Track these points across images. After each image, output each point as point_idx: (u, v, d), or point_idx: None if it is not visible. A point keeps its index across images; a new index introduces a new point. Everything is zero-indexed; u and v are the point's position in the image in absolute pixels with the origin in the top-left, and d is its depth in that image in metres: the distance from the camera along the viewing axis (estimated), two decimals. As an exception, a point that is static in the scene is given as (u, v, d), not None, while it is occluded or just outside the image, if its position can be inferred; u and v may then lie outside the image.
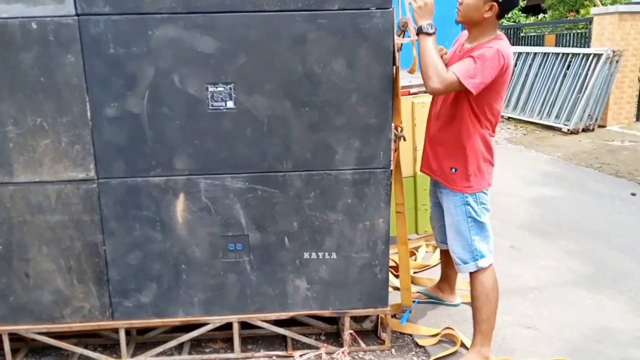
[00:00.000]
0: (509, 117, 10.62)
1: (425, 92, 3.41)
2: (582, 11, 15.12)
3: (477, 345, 2.92)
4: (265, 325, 2.93)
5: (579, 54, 9.74)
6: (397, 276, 3.64)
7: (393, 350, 3.05)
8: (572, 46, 10.93)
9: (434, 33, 2.65)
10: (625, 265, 4.18)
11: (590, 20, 10.37)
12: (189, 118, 2.60)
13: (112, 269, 2.75)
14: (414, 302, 3.26)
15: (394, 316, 3.19)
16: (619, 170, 6.95)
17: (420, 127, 3.97)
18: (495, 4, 2.65)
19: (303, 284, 2.85)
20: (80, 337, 3.04)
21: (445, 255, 3.31)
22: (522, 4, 16.19)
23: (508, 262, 4.14)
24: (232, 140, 2.65)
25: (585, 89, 9.28)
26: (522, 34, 13.10)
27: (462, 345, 3.07)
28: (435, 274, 3.77)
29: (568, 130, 9.29)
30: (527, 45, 12.29)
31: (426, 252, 4.36)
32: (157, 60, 2.53)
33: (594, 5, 11.90)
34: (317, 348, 3.00)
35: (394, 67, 2.64)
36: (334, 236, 2.79)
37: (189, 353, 3.03)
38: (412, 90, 4.07)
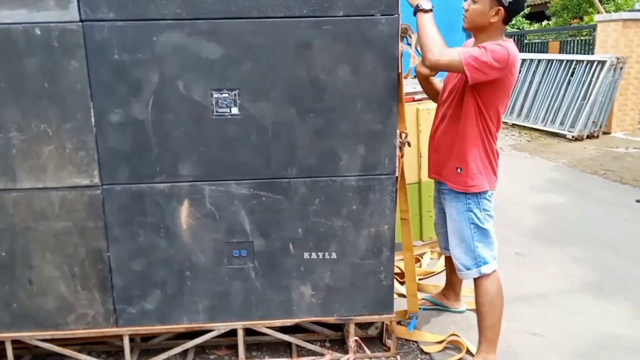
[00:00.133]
0: (513, 124, 10.62)
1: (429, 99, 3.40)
2: (585, 18, 15.14)
3: (483, 352, 2.90)
4: (270, 331, 2.92)
5: (583, 61, 9.75)
6: (402, 283, 3.63)
7: (398, 357, 3.03)
8: (576, 53, 10.94)
9: (431, 9, 2.64)
10: (631, 272, 4.15)
11: (594, 28, 10.38)
12: (193, 124, 2.60)
13: (116, 275, 2.74)
14: (419, 308, 3.24)
15: (399, 323, 3.18)
16: (623, 177, 6.94)
17: (425, 133, 3.97)
18: (501, 8, 2.65)
19: (308, 291, 2.83)
20: (84, 344, 3.03)
21: (450, 262, 3.29)
22: (525, 11, 16.21)
23: (514, 269, 4.13)
24: (237, 147, 2.64)
25: (590, 95, 9.28)
26: (526, 41, 13.12)
27: (468, 352, 3.05)
28: (440, 281, 3.75)
29: (572, 137, 9.28)
30: (531, 52, 12.30)
31: (431, 258, 4.34)
32: (161, 67, 2.53)
33: (598, 12, 11.90)
34: (322, 355, 2.99)
35: (398, 73, 2.63)
36: (339, 242, 2.78)
37: (193, 360, 3.02)
38: (416, 97, 4.06)
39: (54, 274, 2.71)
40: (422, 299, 3.57)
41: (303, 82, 2.59)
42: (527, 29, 17.04)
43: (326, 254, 2.79)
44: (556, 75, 10.16)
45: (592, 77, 9.40)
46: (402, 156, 2.79)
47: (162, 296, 2.79)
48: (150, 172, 2.64)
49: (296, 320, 2.89)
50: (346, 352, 3.00)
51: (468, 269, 2.91)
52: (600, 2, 14.59)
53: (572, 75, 9.89)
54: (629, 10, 13.34)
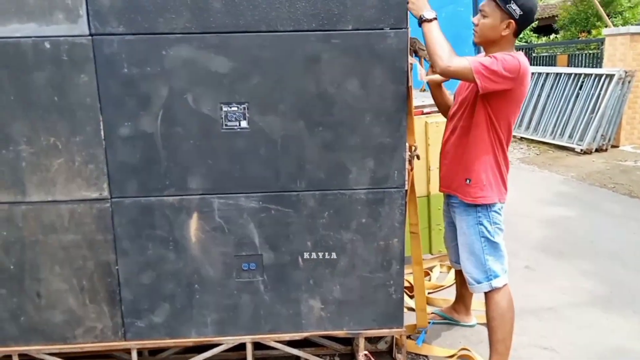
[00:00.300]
0: (521, 137, 10.60)
1: (438, 112, 3.41)
2: (593, 32, 15.16)
3: (494, 367, 2.88)
4: (279, 345, 2.90)
5: (591, 75, 9.74)
6: (411, 297, 3.61)
7: (408, 372, 3.02)
8: (584, 66, 10.94)
9: (435, 18, 2.63)
10: (641, 285, 4.13)
11: (602, 41, 10.39)
12: (202, 138, 2.60)
13: (125, 288, 2.73)
14: (429, 323, 3.22)
15: (409, 337, 3.16)
16: (632, 191, 6.90)
17: (434, 147, 3.97)
18: (512, 21, 2.65)
19: (317, 304, 2.82)
20: (91, 358, 3.01)
21: (460, 276, 3.28)
22: (533, 24, 16.23)
23: (523, 283, 4.10)
24: (246, 160, 2.64)
25: (598, 109, 9.26)
26: (534, 54, 13.15)
27: (479, 366, 3.03)
28: (450, 295, 3.73)
29: (581, 150, 9.25)
30: (539, 65, 12.31)
31: (440, 272, 4.32)
32: (171, 80, 2.53)
33: (606, 26, 11.90)
34: (331, 370, 2.97)
35: (407, 86, 2.63)
36: (348, 256, 2.77)
37: (201, 374, 3.00)
38: (425, 110, 4.06)
39: (63, 287, 2.71)
40: (432, 313, 3.55)
41: (312, 95, 2.59)
42: (535, 43, 17.06)
43: (335, 267, 2.77)
44: (564, 88, 10.15)
45: (601, 90, 9.39)
46: (411, 169, 2.78)
47: (170, 309, 2.78)
48: (160, 185, 2.64)
49: (305, 334, 2.87)
50: (355, 366, 2.98)
51: (479, 282, 2.89)
52: (607, 15, 14.60)
53: (580, 88, 9.88)
54: (636, 24, 13.33)
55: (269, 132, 2.61)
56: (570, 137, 9.69)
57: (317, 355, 3.02)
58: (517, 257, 4.53)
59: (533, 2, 2.70)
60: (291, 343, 2.93)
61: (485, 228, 2.84)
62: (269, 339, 2.86)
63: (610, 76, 9.31)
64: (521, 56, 2.66)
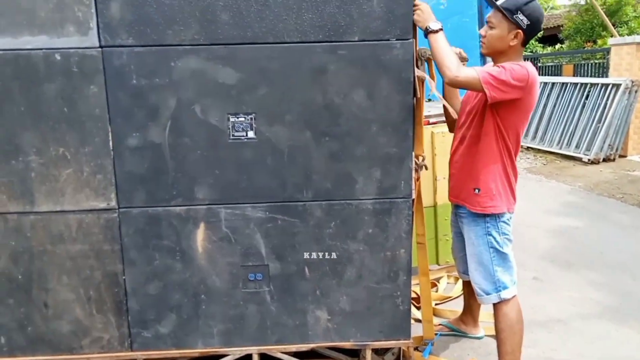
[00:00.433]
0: (528, 147, 10.59)
1: (444, 122, 3.41)
2: (599, 41, 15.15)
3: (502, 379, 2.86)
4: (285, 357, 2.89)
5: (598, 84, 9.74)
6: (418, 308, 3.60)
7: (415, 383, 3.00)
8: (590, 76, 10.93)
9: (441, 29, 2.63)
10: (651, 297, 4.10)
11: (608, 51, 10.38)
12: (210, 148, 2.61)
13: (132, 299, 2.74)
14: (436, 334, 3.20)
15: (416, 349, 3.14)
16: (641, 201, 6.88)
17: (440, 156, 3.97)
18: (520, 31, 2.66)
19: (324, 315, 2.81)
20: (98, 368, 3.02)
21: (468, 287, 3.26)
22: (539, 34, 16.25)
23: (531, 294, 4.09)
24: (253, 170, 2.64)
25: (605, 119, 9.25)
26: (539, 64, 13.15)
27: (486, 378, 3.02)
28: (458, 306, 3.71)
29: (588, 160, 9.23)
30: (545, 75, 12.31)
31: (447, 283, 4.31)
32: (179, 91, 2.54)
33: (611, 36, 11.89)
34: (338, 381, 2.96)
35: (415, 97, 2.63)
36: (354, 266, 2.77)
37: (208, 385, 3.00)
38: (431, 120, 4.06)
39: (70, 297, 2.72)
40: (440, 325, 3.54)
41: (318, 106, 2.60)
42: (541, 52, 17.07)
43: (342, 277, 2.77)
44: (571, 98, 10.15)
45: (607, 100, 9.38)
46: (418, 179, 2.78)
47: (177, 320, 2.78)
48: (167, 195, 2.64)
49: (312, 345, 2.86)
50: (362, 377, 2.96)
51: (488, 293, 2.88)
52: (613, 25, 14.60)
53: (586, 98, 9.87)
54: (643, 34, 13.32)
55: (275, 142, 2.62)
56: (577, 146, 9.68)
57: (324, 366, 3.01)
58: (525, 267, 4.51)
59: (540, 12, 2.70)
60: (297, 354, 2.92)
61: (494, 238, 2.83)
62: (275, 350, 2.85)
63: (617, 86, 9.30)
64: (529, 66, 2.66)
